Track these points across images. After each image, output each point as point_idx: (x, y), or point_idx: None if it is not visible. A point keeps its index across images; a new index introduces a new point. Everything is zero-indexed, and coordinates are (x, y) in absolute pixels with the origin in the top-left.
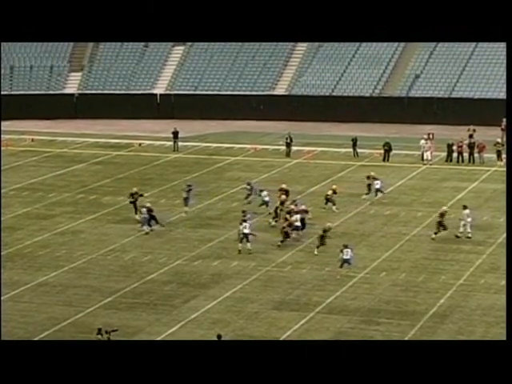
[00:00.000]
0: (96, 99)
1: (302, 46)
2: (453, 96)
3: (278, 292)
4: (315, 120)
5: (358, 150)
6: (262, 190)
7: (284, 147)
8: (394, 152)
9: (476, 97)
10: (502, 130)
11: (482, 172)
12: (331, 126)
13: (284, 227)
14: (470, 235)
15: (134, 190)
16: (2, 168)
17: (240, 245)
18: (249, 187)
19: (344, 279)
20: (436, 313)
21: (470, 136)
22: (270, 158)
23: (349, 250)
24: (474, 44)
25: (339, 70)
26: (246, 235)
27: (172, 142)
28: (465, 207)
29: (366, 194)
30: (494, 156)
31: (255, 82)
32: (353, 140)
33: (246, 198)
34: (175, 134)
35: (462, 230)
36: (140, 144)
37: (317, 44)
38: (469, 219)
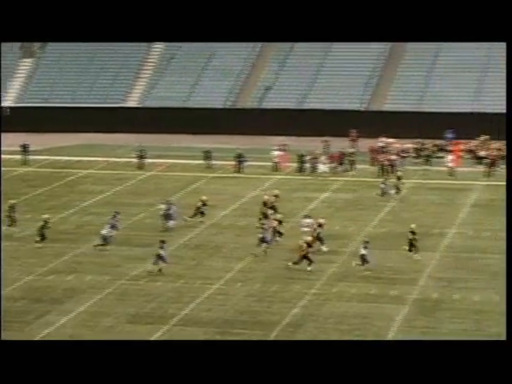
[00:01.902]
0: None
1: (153, 57)
2: (304, 107)
3: (132, 305)
4: (167, 132)
5: (211, 162)
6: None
7: (136, 160)
8: (246, 163)
9: (327, 108)
10: (352, 140)
11: (333, 182)
12: (184, 137)
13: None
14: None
15: (12, 202)
16: None
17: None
18: (165, 206)
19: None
20: (290, 322)
21: (326, 147)
22: (122, 171)
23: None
24: (323, 55)
25: (191, 82)
26: (159, 256)
27: (22, 156)
28: (307, 216)
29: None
30: (347, 167)
31: (107, 94)
32: (206, 152)
33: (165, 218)
34: (24, 146)
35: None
36: None
37: (168, 55)
38: (306, 229)
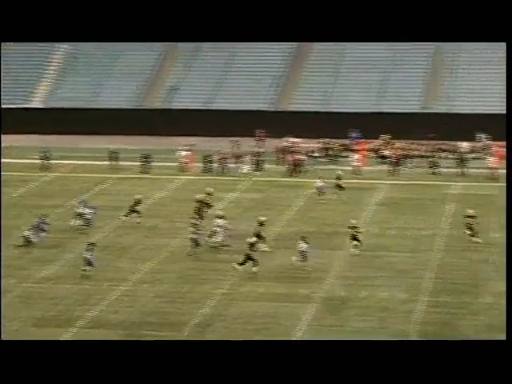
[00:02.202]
0: None
1: (57, 58)
2: (211, 108)
3: (38, 308)
4: (72, 133)
5: (118, 163)
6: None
7: (40, 161)
8: (153, 164)
9: (235, 108)
10: (259, 140)
11: (241, 182)
12: (89, 138)
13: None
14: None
15: None
16: None
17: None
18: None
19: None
20: (199, 323)
21: (234, 147)
22: (26, 173)
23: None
24: (230, 55)
25: (96, 82)
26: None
27: None
28: (220, 217)
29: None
30: (253, 166)
31: (10, 95)
32: (112, 153)
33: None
34: None
35: (220, 239)
36: None
37: (71, 57)
38: (220, 229)
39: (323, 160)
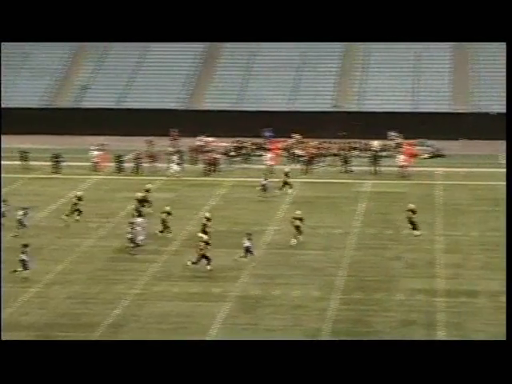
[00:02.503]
0: None
1: None
2: (123, 107)
3: None
4: None
5: (28, 163)
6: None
7: None
8: (65, 163)
9: (147, 107)
10: (173, 139)
11: (154, 182)
12: None
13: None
14: (140, 243)
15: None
16: None
17: None
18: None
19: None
20: (112, 323)
21: (149, 146)
22: None
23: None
24: (142, 54)
25: (7, 82)
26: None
27: None
28: (139, 215)
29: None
30: (166, 165)
31: None
32: (22, 152)
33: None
34: None
35: (141, 238)
36: None
37: None
38: (140, 228)
39: (236, 159)
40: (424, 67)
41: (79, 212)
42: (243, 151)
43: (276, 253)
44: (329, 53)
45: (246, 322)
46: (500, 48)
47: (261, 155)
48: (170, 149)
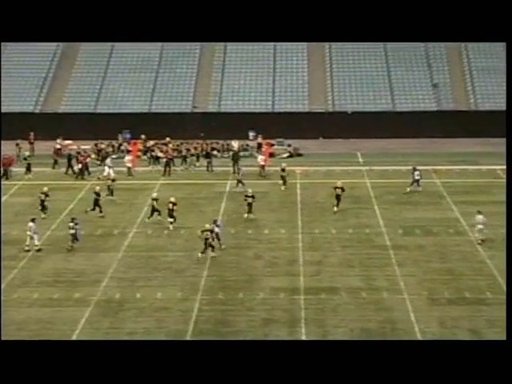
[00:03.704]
0: None
1: None
2: None
3: None
4: None
5: None
6: None
7: None
8: None
9: (7, 111)
10: (30, 143)
11: (10, 186)
12: None
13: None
14: (38, 247)
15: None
16: None
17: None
18: None
19: None
20: None
21: (17, 150)
22: None
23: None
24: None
25: None
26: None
27: None
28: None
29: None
30: (23, 169)
31: None
32: None
33: None
34: None
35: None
36: None
37: None
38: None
39: (97, 162)
40: (281, 67)
41: (45, 209)
42: (103, 153)
43: (137, 255)
44: (186, 53)
45: (108, 326)
46: (355, 47)
47: (120, 157)
48: (27, 153)
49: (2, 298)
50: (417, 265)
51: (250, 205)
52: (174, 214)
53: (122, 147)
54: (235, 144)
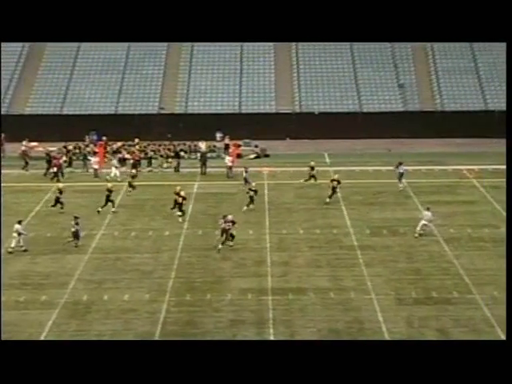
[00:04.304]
0: None
1: None
2: None
3: None
4: None
5: None
6: None
7: None
8: None
9: None
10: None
11: None
12: None
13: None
14: (24, 248)
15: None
16: None
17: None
18: None
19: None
20: None
21: None
22: None
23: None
24: None
25: None
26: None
27: None
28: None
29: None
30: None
31: None
32: None
33: None
34: None
35: (13, 244)
36: None
37: None
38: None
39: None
40: (248, 68)
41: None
42: (70, 155)
43: (104, 257)
44: (153, 54)
45: (75, 329)
46: (322, 48)
47: (88, 159)
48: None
49: (3, 298)
50: (384, 265)
51: (251, 198)
52: (183, 208)
53: (89, 148)
54: (202, 145)
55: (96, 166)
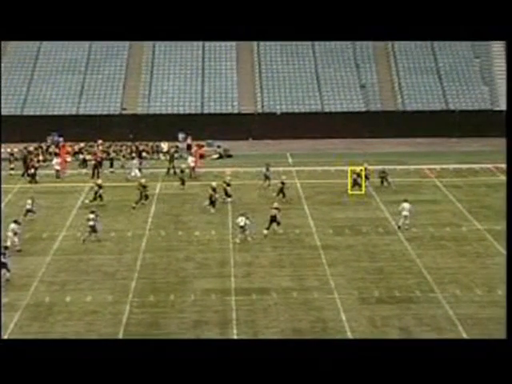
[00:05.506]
0: None
1: None
2: None
3: None
4: None
5: None
6: None
7: None
8: None
9: None
10: None
11: None
12: None
13: None
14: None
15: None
16: None
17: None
18: None
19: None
20: None
21: None
22: None
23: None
24: None
25: None
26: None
27: None
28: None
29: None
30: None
31: None
32: None
33: None
34: None
35: (9, 243)
36: None
37: None
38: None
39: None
40: (210, 67)
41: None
42: (31, 156)
43: (66, 259)
44: (114, 54)
45: (37, 331)
46: (284, 47)
47: (49, 160)
48: None
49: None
50: (347, 264)
51: (281, 190)
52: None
53: (50, 149)
54: (165, 146)
55: (58, 167)
